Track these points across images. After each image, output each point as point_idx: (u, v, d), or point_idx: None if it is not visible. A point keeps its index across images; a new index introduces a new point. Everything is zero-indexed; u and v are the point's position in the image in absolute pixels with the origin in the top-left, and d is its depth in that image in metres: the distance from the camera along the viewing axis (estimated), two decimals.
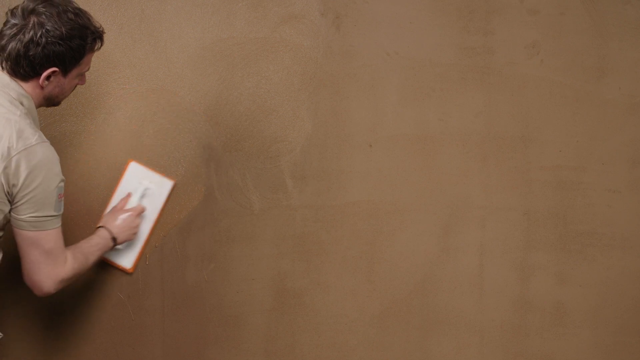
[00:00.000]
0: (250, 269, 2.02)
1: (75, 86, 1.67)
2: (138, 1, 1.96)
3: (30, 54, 1.50)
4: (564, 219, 2.08)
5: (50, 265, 1.56)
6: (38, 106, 1.61)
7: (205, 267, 2.01)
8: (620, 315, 2.11)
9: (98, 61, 1.92)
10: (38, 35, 1.49)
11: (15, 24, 1.50)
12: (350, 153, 2.04)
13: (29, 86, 1.56)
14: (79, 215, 1.95)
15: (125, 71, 1.96)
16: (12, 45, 1.50)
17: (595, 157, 2.09)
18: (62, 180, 1.56)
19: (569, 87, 2.08)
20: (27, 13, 1.51)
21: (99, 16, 1.93)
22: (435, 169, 2.06)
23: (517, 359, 2.09)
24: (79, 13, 1.56)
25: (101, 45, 1.64)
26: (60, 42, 1.51)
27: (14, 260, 1.62)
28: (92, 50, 1.61)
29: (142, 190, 1.94)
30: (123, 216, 1.87)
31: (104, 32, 1.64)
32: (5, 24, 1.53)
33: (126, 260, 1.97)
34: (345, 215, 2.04)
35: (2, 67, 1.55)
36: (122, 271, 1.97)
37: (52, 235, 1.55)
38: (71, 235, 1.88)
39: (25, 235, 1.54)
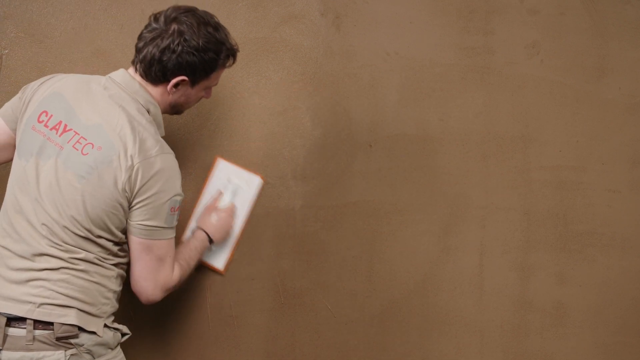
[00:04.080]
0: (250, 269, 2.02)
1: (200, 98, 1.70)
2: (138, 1, 1.96)
3: (164, 59, 1.54)
4: (564, 219, 2.08)
5: (160, 273, 1.60)
6: (163, 112, 1.65)
7: (206, 267, 2.01)
8: (620, 315, 2.11)
9: (98, 61, 1.93)
10: (175, 43, 1.53)
11: (156, 29, 1.55)
12: (350, 153, 2.04)
13: (157, 91, 1.60)
14: None
15: None
16: (148, 48, 1.55)
17: (595, 157, 2.09)
18: (178, 195, 1.58)
19: (569, 87, 2.08)
20: (169, 20, 1.55)
21: (99, 16, 1.93)
22: (435, 169, 2.06)
23: (517, 359, 2.09)
24: (219, 28, 1.60)
25: (233, 62, 1.67)
26: (195, 52, 1.55)
27: None
28: (223, 66, 1.65)
29: (233, 189, 1.93)
30: (218, 216, 1.89)
31: (239, 51, 1.67)
32: (146, 27, 1.58)
33: (218, 260, 1.96)
34: (345, 215, 2.04)
35: (136, 69, 1.59)
36: (215, 271, 1.98)
37: (163, 245, 1.59)
38: None
39: (137, 241, 1.57)
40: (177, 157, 1.58)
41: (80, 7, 1.93)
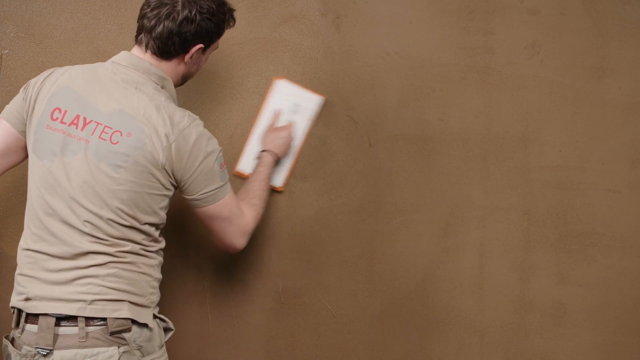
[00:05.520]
0: (251, 269, 2.02)
1: None
2: (138, 1, 1.95)
3: (184, 30, 1.54)
4: (564, 219, 2.08)
5: (233, 227, 1.65)
6: (175, 86, 1.65)
7: (206, 267, 2.01)
8: (620, 315, 2.11)
9: (98, 61, 1.92)
10: (193, 12, 1.54)
11: (165, 3, 1.54)
12: (350, 153, 2.04)
13: (169, 66, 1.60)
14: None
15: None
16: (164, 24, 1.53)
17: (595, 157, 2.09)
18: (220, 151, 1.60)
19: (569, 87, 2.08)
20: None
21: (99, 16, 1.94)
22: (435, 169, 2.06)
23: (517, 359, 2.09)
24: None
25: (234, 23, 1.69)
26: (210, 17, 1.57)
27: None
28: (228, 25, 1.66)
29: (292, 107, 1.96)
30: (280, 134, 1.92)
31: (235, 10, 1.69)
32: (147, 5, 1.56)
33: (276, 179, 1.98)
34: (345, 215, 2.04)
35: (146, 48, 1.58)
36: (273, 190, 1.98)
37: (226, 202, 1.62)
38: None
39: (203, 211, 1.62)
40: None
41: (80, 7, 1.93)
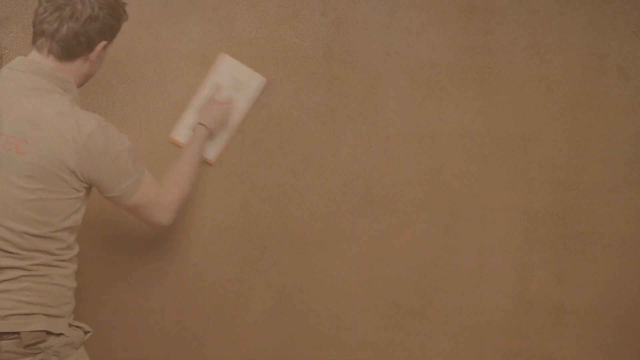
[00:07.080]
0: (251, 269, 2.02)
1: None
2: (138, 1, 1.96)
3: (89, 29, 1.51)
4: (564, 219, 2.08)
5: (156, 210, 1.65)
6: (78, 86, 1.61)
7: (206, 267, 2.01)
8: (620, 315, 2.11)
9: None
10: (95, 10, 1.51)
11: (63, 5, 1.50)
12: (351, 153, 2.04)
13: (72, 67, 1.55)
14: None
15: (125, 71, 1.96)
16: (68, 25, 1.50)
17: (595, 157, 2.09)
18: (130, 147, 1.56)
19: (569, 87, 2.08)
20: None
21: None
22: (435, 169, 2.06)
23: (517, 359, 2.09)
24: None
25: (127, 17, 1.65)
26: (112, 13, 1.55)
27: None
28: (124, 20, 1.63)
29: (235, 84, 1.97)
30: (217, 108, 1.93)
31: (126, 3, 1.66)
32: (43, 11, 1.51)
33: (209, 152, 1.98)
34: (346, 215, 2.04)
35: (48, 54, 1.53)
36: (205, 162, 1.98)
37: (143, 192, 1.60)
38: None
39: (124, 205, 1.60)
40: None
41: None
